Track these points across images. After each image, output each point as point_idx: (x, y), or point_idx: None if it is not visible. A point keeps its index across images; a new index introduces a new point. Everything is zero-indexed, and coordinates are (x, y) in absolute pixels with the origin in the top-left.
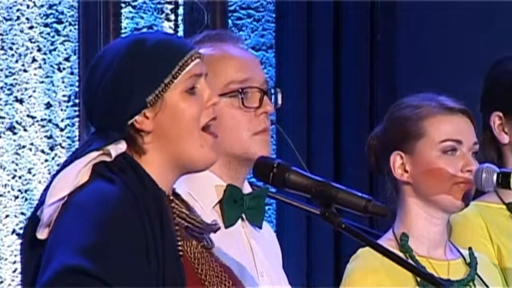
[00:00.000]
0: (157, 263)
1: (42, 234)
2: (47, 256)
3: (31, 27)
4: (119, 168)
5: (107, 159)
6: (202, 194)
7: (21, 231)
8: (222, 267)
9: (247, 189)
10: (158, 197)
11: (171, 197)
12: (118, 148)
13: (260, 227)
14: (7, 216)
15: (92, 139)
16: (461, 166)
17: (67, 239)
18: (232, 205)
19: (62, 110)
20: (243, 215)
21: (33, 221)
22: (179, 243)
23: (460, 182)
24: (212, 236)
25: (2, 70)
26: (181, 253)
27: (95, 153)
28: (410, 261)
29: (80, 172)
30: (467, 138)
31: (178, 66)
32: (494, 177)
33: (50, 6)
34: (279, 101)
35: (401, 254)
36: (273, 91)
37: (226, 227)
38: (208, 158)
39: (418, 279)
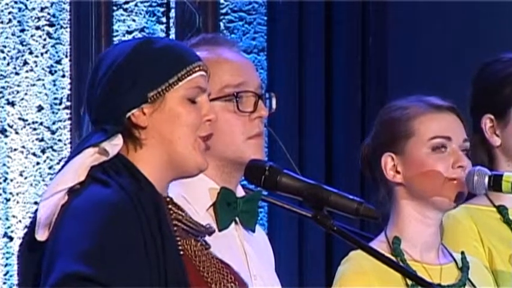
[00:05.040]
0: (158, 264)
1: (41, 235)
2: (48, 264)
3: (23, 30)
4: (114, 170)
5: (103, 157)
6: (196, 196)
7: (12, 234)
8: (223, 264)
9: (240, 192)
10: (155, 197)
11: (168, 199)
12: (114, 145)
13: (253, 231)
14: None
15: (89, 135)
16: (451, 163)
17: (67, 246)
18: (226, 208)
19: (53, 112)
20: (237, 218)
21: (33, 223)
22: (179, 242)
23: (451, 178)
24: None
25: None
26: (181, 252)
27: (91, 150)
28: (401, 264)
29: (77, 170)
30: (457, 134)
31: (186, 70)
32: (486, 180)
33: (42, 9)
34: (273, 106)
35: (393, 258)
36: (267, 95)
37: (219, 230)
38: (199, 161)
39: (409, 281)
